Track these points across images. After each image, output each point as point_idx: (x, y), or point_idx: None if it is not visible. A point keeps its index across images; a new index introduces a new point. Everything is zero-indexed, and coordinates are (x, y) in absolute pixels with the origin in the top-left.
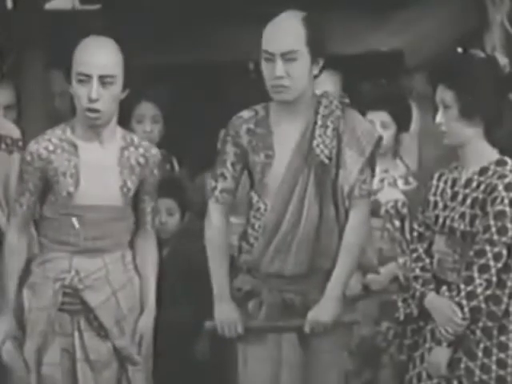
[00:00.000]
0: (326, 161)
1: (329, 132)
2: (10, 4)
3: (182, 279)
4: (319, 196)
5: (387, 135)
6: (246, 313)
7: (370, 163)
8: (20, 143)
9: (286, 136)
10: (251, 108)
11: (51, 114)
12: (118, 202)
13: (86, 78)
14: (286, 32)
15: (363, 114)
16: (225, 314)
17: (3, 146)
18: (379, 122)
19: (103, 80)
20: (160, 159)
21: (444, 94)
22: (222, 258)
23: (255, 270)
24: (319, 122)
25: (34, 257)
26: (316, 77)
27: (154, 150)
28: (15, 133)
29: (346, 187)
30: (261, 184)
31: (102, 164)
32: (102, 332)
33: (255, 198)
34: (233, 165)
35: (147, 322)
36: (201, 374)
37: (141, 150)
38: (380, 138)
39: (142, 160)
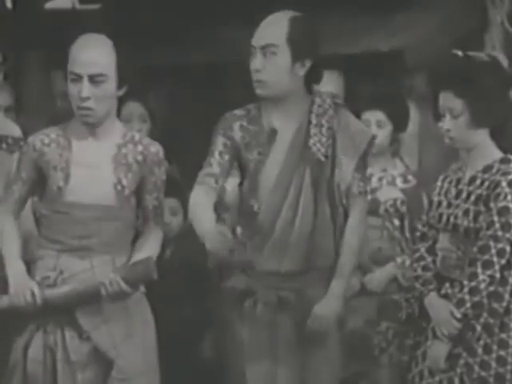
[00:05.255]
0: (323, 159)
1: (324, 131)
2: (9, 4)
3: (185, 278)
4: (314, 194)
5: (383, 134)
6: (242, 311)
7: (364, 161)
8: (21, 142)
9: (280, 134)
10: (244, 107)
11: (52, 114)
12: (110, 201)
13: (76, 77)
14: (267, 27)
15: (360, 113)
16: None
17: (4, 145)
18: (374, 121)
19: (93, 79)
20: (162, 157)
21: (452, 103)
22: (205, 207)
23: (250, 268)
24: (314, 121)
25: (33, 256)
26: (317, 79)
27: (154, 148)
28: (16, 132)
29: (342, 185)
30: (254, 182)
31: (94, 161)
32: (83, 333)
33: (246, 197)
34: (220, 154)
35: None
36: (204, 373)
37: (139, 148)
38: (373, 137)
39: (140, 157)
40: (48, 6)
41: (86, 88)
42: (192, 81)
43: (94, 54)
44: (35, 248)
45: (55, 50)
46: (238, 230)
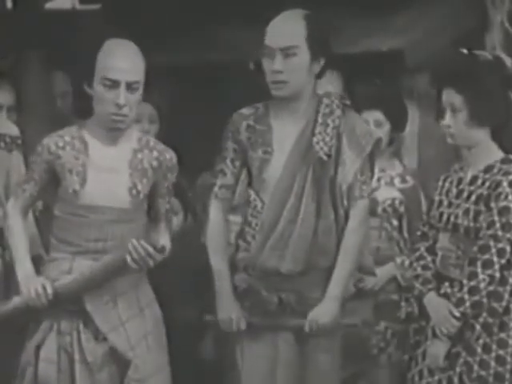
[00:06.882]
0: (325, 158)
1: (329, 130)
2: (9, 4)
3: (185, 278)
4: (316, 194)
5: (380, 133)
6: (243, 310)
7: (370, 164)
8: (19, 141)
9: (286, 133)
10: (252, 105)
11: (52, 114)
12: (125, 204)
13: (112, 84)
14: (286, 27)
15: (358, 113)
16: (227, 310)
17: (2, 144)
18: (372, 121)
19: (130, 86)
20: (175, 163)
21: (453, 99)
22: (221, 254)
23: (252, 267)
24: (320, 120)
25: (40, 258)
26: (319, 77)
27: (169, 154)
28: (14, 131)
29: (343, 186)
30: (258, 181)
31: (111, 165)
32: (99, 335)
33: (252, 196)
34: (232, 161)
35: None
36: (206, 373)
37: (155, 153)
38: (379, 139)
39: (155, 163)
40: (48, 6)
41: (123, 95)
42: (193, 81)
43: (132, 61)
44: (39, 249)
45: (55, 50)
46: (246, 229)
